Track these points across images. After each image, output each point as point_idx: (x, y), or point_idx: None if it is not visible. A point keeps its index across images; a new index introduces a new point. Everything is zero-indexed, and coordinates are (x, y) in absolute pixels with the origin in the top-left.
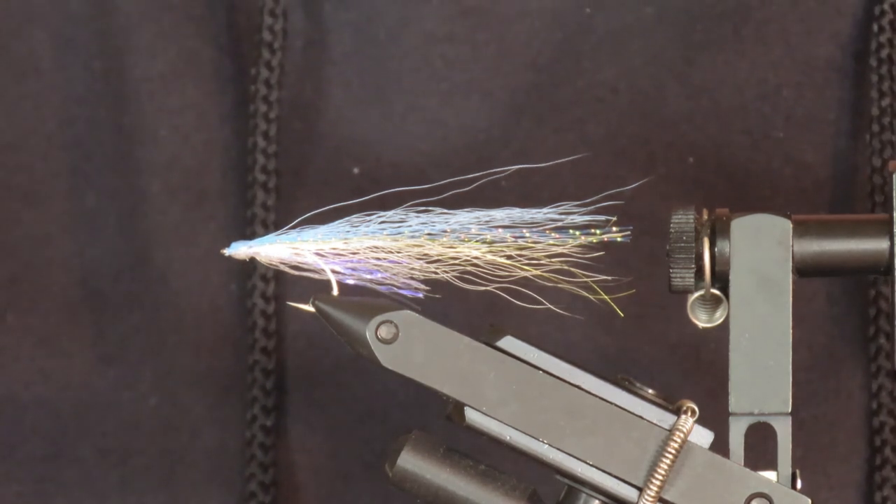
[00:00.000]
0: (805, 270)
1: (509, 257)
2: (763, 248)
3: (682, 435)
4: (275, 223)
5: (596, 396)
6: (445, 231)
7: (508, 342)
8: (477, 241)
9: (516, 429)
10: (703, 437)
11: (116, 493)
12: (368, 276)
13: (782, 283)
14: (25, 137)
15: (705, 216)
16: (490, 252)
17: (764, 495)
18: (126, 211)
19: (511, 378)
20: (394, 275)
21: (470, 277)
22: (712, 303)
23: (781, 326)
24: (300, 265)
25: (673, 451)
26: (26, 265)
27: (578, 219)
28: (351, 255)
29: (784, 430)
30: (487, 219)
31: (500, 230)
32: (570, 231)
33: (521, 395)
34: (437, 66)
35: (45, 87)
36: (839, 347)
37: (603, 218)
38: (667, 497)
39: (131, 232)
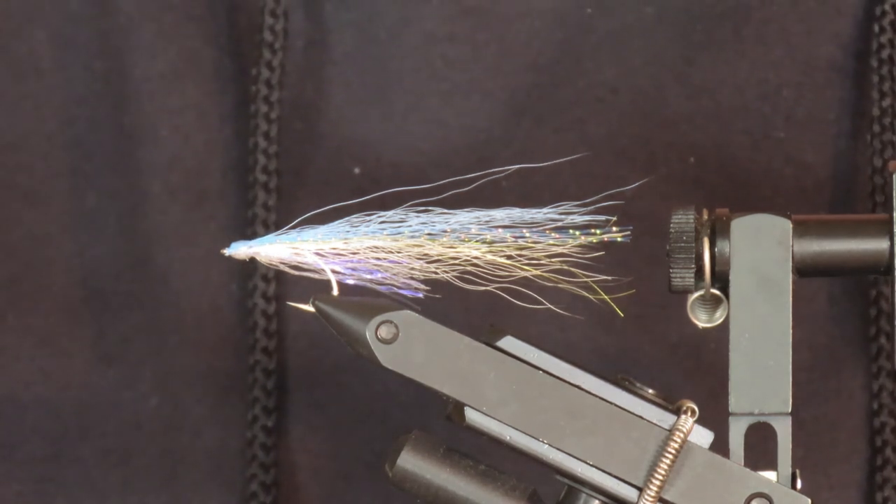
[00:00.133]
0: (805, 270)
1: (509, 257)
2: (763, 248)
3: (682, 435)
4: (276, 223)
5: (596, 396)
6: (445, 231)
7: (508, 342)
8: (477, 241)
9: (516, 429)
10: (703, 437)
11: (117, 493)
12: (368, 276)
13: (782, 283)
14: (26, 137)
15: (705, 216)
16: (490, 252)
17: (764, 495)
18: (127, 211)
19: (511, 378)
20: (394, 275)
21: (470, 277)
22: (712, 303)
23: (781, 326)
24: (300, 265)
25: (673, 451)
26: (27, 265)
27: (578, 219)
28: (351, 255)
29: (784, 430)
30: (487, 219)
31: (500, 230)
32: (570, 231)
33: (521, 395)
34: (438, 66)
35: (45, 86)
36: (840, 347)
37: (603, 218)
38: (667, 497)
39: (132, 232)
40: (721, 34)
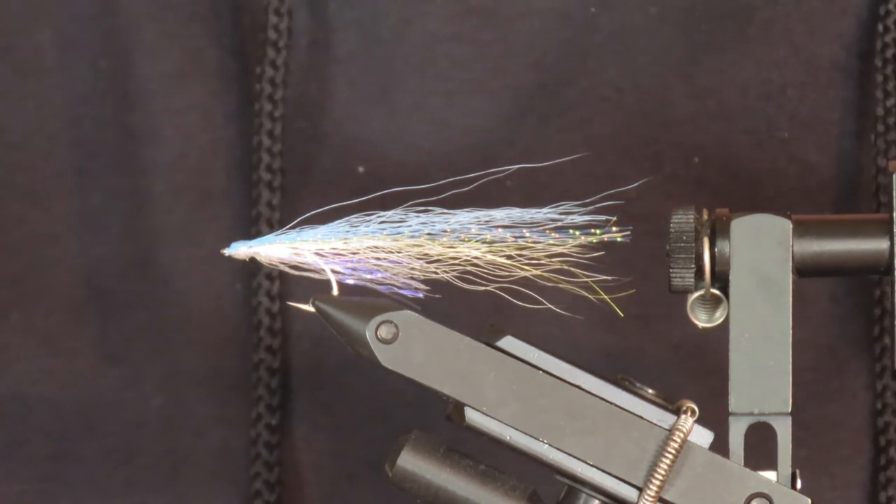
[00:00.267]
0: (805, 270)
1: (509, 257)
2: (763, 248)
3: (681, 435)
4: (280, 222)
5: (596, 396)
6: (445, 231)
7: (508, 342)
8: (477, 241)
9: (516, 429)
10: (703, 437)
11: (121, 492)
12: (368, 276)
13: (782, 283)
14: (30, 136)
15: (705, 216)
16: (490, 252)
17: (764, 495)
18: (130, 210)
19: (511, 378)
20: (394, 275)
21: (470, 277)
22: (712, 303)
23: (781, 326)
24: (300, 265)
25: (673, 451)
26: (30, 264)
27: (578, 219)
28: (351, 255)
29: (784, 430)
30: (487, 219)
31: (500, 230)
32: (570, 231)
33: (521, 395)
34: (442, 66)
35: (49, 86)
36: (843, 347)
37: (603, 218)
38: (667, 497)
39: (136, 231)
40: (725, 34)
